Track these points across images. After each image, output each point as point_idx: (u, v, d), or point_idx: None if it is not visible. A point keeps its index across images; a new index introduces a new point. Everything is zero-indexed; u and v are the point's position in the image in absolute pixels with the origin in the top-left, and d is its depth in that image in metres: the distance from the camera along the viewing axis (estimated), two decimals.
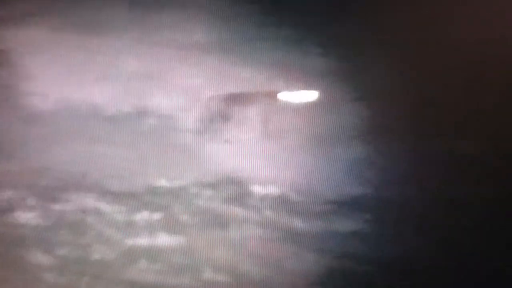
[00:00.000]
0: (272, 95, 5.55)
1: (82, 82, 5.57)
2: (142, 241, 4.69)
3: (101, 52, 5.71)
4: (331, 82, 5.60)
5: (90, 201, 4.93)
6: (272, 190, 5.01)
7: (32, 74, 5.54)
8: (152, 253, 4.62)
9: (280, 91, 5.52)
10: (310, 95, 5.51)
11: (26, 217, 4.78)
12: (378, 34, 5.68)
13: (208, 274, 4.61)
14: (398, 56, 5.61)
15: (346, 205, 4.92)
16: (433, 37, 5.51)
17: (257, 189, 5.00)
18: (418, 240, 4.75)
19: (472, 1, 5.58)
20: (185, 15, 5.93)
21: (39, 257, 4.59)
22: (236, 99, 5.55)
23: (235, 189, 5.03)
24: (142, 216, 4.82)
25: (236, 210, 4.87)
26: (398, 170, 5.14)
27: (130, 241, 4.68)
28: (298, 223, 4.82)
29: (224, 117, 5.51)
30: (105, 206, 4.89)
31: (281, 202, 4.94)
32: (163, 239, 4.68)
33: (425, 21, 5.59)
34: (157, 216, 4.81)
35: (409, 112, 5.39)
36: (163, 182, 5.08)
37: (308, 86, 5.52)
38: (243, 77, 5.72)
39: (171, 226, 4.75)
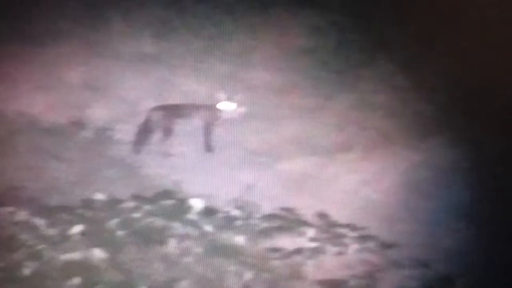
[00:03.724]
0: (215, 108, 5.51)
1: (18, 92, 5.45)
2: (77, 256, 4.52)
3: (39, 62, 5.64)
4: (274, 96, 5.65)
5: (23, 215, 4.74)
6: (212, 204, 4.89)
7: None
8: (86, 269, 4.45)
9: (223, 104, 5.48)
10: (253, 109, 5.49)
11: None
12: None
13: None
14: None
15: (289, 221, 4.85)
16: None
17: (197, 204, 4.90)
18: None
19: None
20: (130, 26, 5.94)
21: None
22: (178, 111, 5.50)
23: (174, 204, 4.90)
24: (77, 230, 4.66)
25: (175, 225, 4.75)
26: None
27: (64, 257, 4.50)
28: (239, 239, 4.73)
29: (165, 130, 5.44)
30: (38, 220, 4.71)
31: (222, 218, 4.85)
32: (99, 254, 4.53)
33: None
34: (92, 230, 4.66)
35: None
36: (99, 196, 4.90)
37: (251, 99, 5.52)
38: (186, 89, 5.70)
39: (107, 241, 4.60)
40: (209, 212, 4.87)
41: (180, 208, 4.87)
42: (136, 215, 4.80)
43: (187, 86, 5.74)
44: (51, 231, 4.66)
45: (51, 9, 5.92)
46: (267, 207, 4.91)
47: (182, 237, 4.67)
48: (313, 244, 4.72)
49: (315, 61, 6.02)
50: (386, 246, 4.69)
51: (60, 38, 5.81)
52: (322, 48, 6.12)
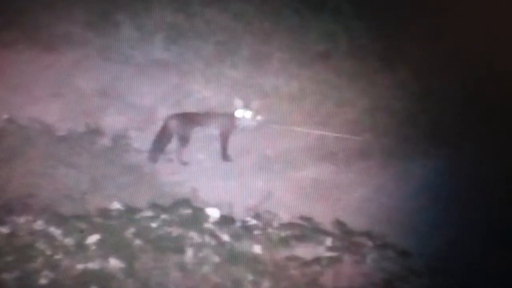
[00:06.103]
0: (232, 116, 5.46)
1: (33, 99, 5.44)
2: (94, 265, 4.49)
3: (53, 68, 5.62)
4: (287, 102, 5.64)
5: (39, 224, 4.70)
6: (229, 213, 4.88)
7: None
8: (103, 278, 4.43)
9: (240, 112, 5.43)
10: (266, 116, 5.47)
11: None
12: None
13: None
14: None
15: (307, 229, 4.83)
16: None
17: (214, 213, 4.87)
18: None
19: None
20: (140, 31, 5.93)
21: None
22: (195, 119, 5.46)
23: (191, 213, 4.86)
24: (94, 240, 4.63)
25: (192, 235, 4.72)
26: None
27: (80, 266, 4.47)
28: (257, 248, 4.70)
29: (182, 138, 5.40)
30: (54, 230, 4.67)
31: (239, 227, 4.82)
32: (116, 264, 4.50)
33: None
34: (109, 239, 4.63)
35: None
36: (116, 205, 4.89)
37: (264, 106, 5.50)
38: (198, 96, 5.69)
39: (124, 250, 4.57)
40: (226, 221, 4.84)
41: (197, 217, 4.84)
42: (153, 224, 4.77)
43: (199, 93, 5.75)
44: (68, 241, 4.64)
45: (62, 15, 5.96)
46: (284, 216, 4.90)
47: (200, 246, 4.65)
48: (331, 253, 4.70)
49: (328, 66, 5.98)
50: (405, 254, 4.66)
51: (71, 44, 5.85)
52: (335, 53, 6.09)
